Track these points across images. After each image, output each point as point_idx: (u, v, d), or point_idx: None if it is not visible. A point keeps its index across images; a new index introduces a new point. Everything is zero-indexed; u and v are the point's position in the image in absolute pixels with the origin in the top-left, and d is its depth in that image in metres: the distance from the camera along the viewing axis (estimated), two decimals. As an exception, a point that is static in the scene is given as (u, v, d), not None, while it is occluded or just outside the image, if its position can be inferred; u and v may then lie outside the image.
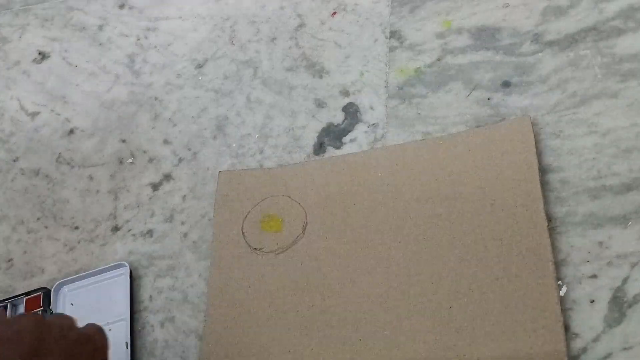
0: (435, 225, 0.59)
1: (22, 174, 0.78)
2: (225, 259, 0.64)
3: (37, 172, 0.77)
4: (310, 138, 0.69)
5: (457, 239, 0.57)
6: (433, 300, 0.56)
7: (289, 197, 0.65)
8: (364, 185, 0.63)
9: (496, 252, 0.56)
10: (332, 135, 0.68)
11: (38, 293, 0.67)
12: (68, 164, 0.77)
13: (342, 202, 0.63)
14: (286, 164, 0.68)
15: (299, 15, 0.77)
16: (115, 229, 0.71)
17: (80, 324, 0.65)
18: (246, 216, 0.66)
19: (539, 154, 0.59)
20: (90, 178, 0.75)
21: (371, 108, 0.68)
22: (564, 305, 0.53)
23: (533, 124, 0.60)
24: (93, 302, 0.66)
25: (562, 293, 0.53)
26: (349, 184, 0.64)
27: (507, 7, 0.68)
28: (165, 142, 0.74)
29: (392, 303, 0.57)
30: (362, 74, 0.71)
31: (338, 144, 0.68)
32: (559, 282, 0.54)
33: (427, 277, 0.57)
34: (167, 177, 0.72)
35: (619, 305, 0.52)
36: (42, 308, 0.66)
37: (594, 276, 0.54)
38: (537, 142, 0.59)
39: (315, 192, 0.64)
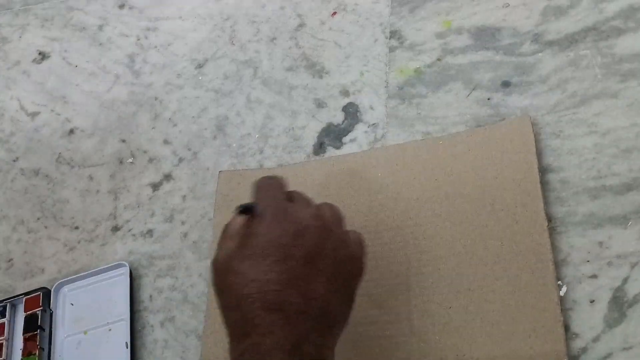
0: (435, 225, 0.59)
1: (22, 174, 0.78)
2: (225, 259, 0.64)
3: (37, 172, 0.77)
4: (310, 138, 0.69)
5: (456, 239, 0.57)
6: (433, 300, 0.56)
7: None
8: (364, 186, 0.63)
9: (496, 252, 0.56)
10: (332, 136, 0.68)
11: (37, 293, 0.67)
12: (68, 164, 0.77)
13: (341, 202, 0.63)
14: (286, 164, 0.68)
15: (299, 15, 0.77)
16: (115, 229, 0.71)
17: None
18: (246, 216, 0.66)
19: (539, 154, 0.59)
20: (90, 178, 0.75)
21: (371, 108, 0.68)
22: (564, 305, 0.53)
23: (533, 124, 0.60)
24: (93, 302, 0.66)
25: (562, 293, 0.53)
26: (348, 184, 0.64)
27: (507, 7, 0.68)
28: (166, 142, 0.74)
29: (391, 303, 0.57)
30: (362, 74, 0.71)
31: (338, 144, 0.68)
32: (559, 282, 0.54)
33: (427, 277, 0.57)
34: (167, 177, 0.72)
35: (619, 305, 0.52)
36: (41, 308, 0.66)
37: (594, 276, 0.54)
38: (537, 142, 0.59)
39: (315, 192, 0.64)
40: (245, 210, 0.47)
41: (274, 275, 0.43)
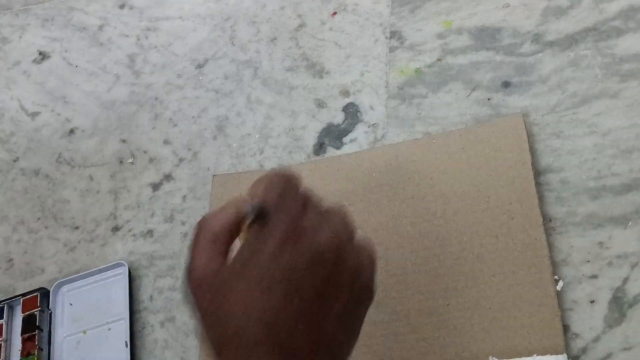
0: (430, 224, 0.59)
1: (23, 174, 0.78)
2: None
3: (37, 172, 0.77)
4: (310, 138, 0.69)
5: (453, 236, 0.58)
6: (430, 298, 0.56)
7: None
8: (359, 185, 0.63)
9: (492, 248, 0.56)
10: (332, 136, 0.68)
11: (35, 294, 0.67)
12: (68, 164, 0.77)
13: (337, 203, 0.63)
14: (285, 165, 0.68)
15: (299, 16, 0.77)
16: (116, 229, 0.71)
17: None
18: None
19: (539, 154, 0.59)
20: (91, 178, 0.75)
21: (371, 108, 0.68)
22: (564, 306, 0.53)
23: (533, 124, 0.60)
24: (92, 301, 0.66)
25: (559, 288, 0.53)
26: (343, 184, 0.64)
27: (507, 7, 0.68)
28: (166, 142, 0.74)
29: (389, 301, 0.57)
30: (362, 74, 0.71)
31: (338, 144, 0.68)
32: (556, 277, 0.54)
33: (424, 275, 0.57)
34: (168, 177, 0.72)
35: (619, 306, 0.52)
36: (39, 309, 0.66)
37: (594, 276, 0.53)
38: (537, 142, 0.59)
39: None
40: (261, 214, 0.39)
41: (285, 313, 0.37)
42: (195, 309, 0.39)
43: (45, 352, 0.65)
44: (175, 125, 0.75)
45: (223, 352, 0.37)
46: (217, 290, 0.38)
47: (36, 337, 0.64)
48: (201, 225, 0.41)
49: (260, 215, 0.40)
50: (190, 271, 0.40)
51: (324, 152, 0.68)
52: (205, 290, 0.39)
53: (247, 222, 0.40)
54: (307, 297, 0.38)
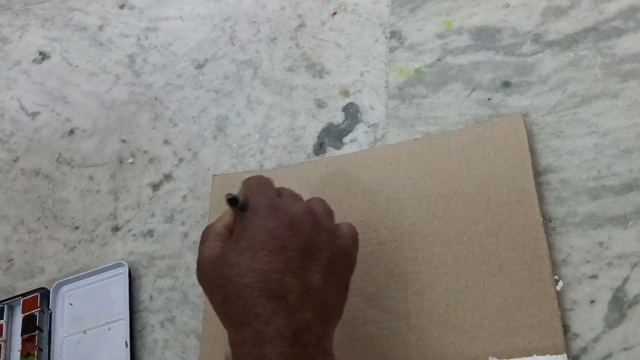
0: (430, 224, 0.59)
1: (23, 174, 0.78)
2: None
3: (37, 172, 0.77)
4: (310, 138, 0.69)
5: (452, 236, 0.58)
6: (430, 298, 0.56)
7: None
8: (359, 186, 0.63)
9: (492, 248, 0.56)
10: (332, 136, 0.68)
11: (35, 294, 0.67)
12: (68, 164, 0.77)
13: (336, 203, 0.63)
14: (284, 165, 0.68)
15: (299, 16, 0.77)
16: (116, 229, 0.71)
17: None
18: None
19: (539, 154, 0.59)
20: (91, 178, 0.75)
21: (371, 108, 0.68)
22: (564, 306, 0.53)
23: (533, 124, 0.60)
24: (92, 301, 0.66)
25: (558, 288, 0.53)
26: (343, 184, 0.64)
27: (507, 7, 0.68)
28: (166, 142, 0.74)
29: (389, 302, 0.57)
30: (362, 74, 0.71)
31: (338, 144, 0.68)
32: (556, 277, 0.54)
33: (424, 275, 0.57)
34: (168, 177, 0.72)
35: (619, 306, 0.52)
36: (39, 309, 0.66)
37: (594, 276, 0.53)
38: (537, 142, 0.59)
39: (310, 194, 0.64)
40: (233, 200, 0.47)
41: (273, 265, 0.43)
42: (204, 290, 0.47)
43: (45, 352, 0.65)
44: (175, 125, 0.75)
45: (229, 308, 0.44)
46: (219, 265, 0.45)
47: (36, 337, 0.64)
48: (206, 230, 0.49)
49: (245, 208, 0.47)
50: (198, 262, 0.47)
51: (324, 152, 0.68)
52: (211, 269, 0.46)
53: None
54: (291, 253, 0.44)
